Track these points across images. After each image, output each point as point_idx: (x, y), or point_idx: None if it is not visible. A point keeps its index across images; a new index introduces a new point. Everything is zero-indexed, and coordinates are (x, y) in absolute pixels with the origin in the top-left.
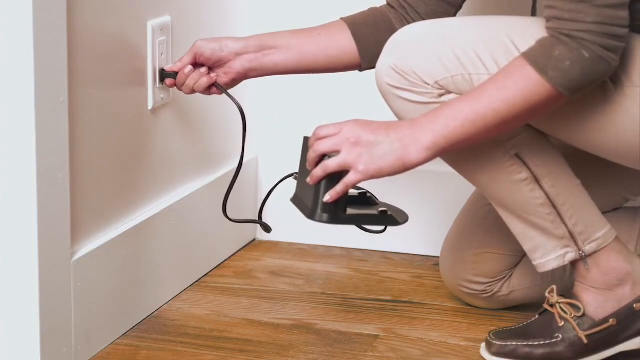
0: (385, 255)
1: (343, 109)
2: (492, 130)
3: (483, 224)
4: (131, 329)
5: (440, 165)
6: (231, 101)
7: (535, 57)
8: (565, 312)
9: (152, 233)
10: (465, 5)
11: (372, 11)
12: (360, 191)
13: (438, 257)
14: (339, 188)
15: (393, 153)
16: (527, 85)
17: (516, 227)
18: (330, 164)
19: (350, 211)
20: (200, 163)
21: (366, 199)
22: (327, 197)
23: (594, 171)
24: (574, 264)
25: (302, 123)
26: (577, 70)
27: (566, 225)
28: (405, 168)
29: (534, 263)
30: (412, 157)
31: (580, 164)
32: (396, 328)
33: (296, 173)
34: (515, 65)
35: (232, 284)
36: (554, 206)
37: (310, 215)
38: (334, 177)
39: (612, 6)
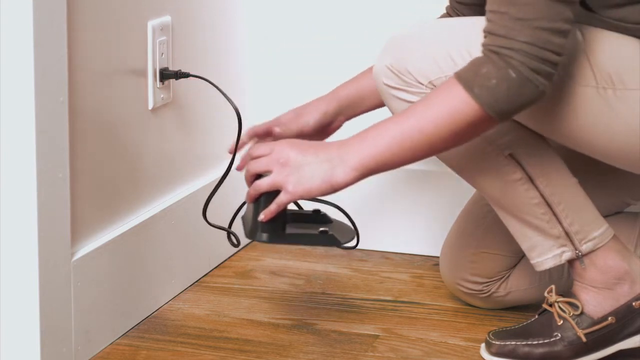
0: (385, 255)
1: None
2: (421, 152)
3: (482, 224)
4: (131, 329)
5: (440, 166)
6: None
7: (464, 74)
8: (564, 311)
9: (152, 233)
10: None
11: None
12: (314, 209)
13: (438, 257)
14: (272, 207)
15: (321, 174)
16: (453, 104)
17: (513, 226)
18: (262, 184)
19: (290, 230)
20: (200, 163)
21: (320, 217)
22: (261, 217)
23: (594, 174)
24: (571, 263)
25: None
26: (503, 90)
27: (562, 225)
28: (333, 189)
29: (532, 262)
30: (339, 178)
31: (579, 167)
32: (396, 328)
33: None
34: (446, 83)
35: (232, 284)
36: (549, 206)
37: (249, 234)
38: (271, 196)
39: (549, 30)
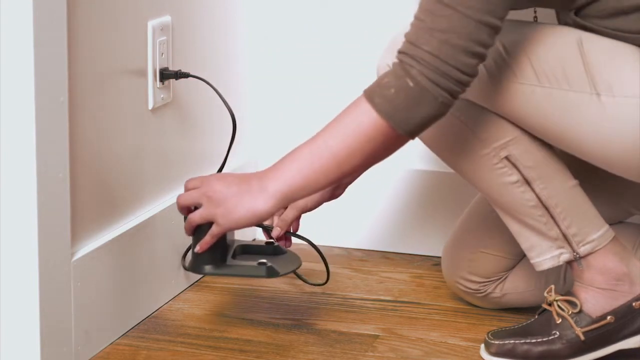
0: (385, 255)
1: None
2: (332, 172)
3: (483, 224)
4: (131, 329)
5: (440, 166)
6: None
7: (370, 86)
8: (563, 310)
9: (152, 233)
10: None
11: None
12: (267, 241)
13: (438, 257)
14: (206, 239)
15: (245, 205)
16: (357, 116)
17: (512, 226)
18: (194, 218)
19: (230, 262)
20: (200, 163)
21: (273, 249)
22: (197, 248)
23: (595, 181)
24: (570, 264)
25: (304, 125)
26: (401, 99)
27: (559, 227)
28: (257, 219)
29: (531, 261)
30: (259, 207)
31: (580, 174)
32: (396, 328)
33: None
34: (357, 98)
35: (232, 284)
36: (546, 208)
37: (189, 266)
38: (206, 228)
39: (457, 46)
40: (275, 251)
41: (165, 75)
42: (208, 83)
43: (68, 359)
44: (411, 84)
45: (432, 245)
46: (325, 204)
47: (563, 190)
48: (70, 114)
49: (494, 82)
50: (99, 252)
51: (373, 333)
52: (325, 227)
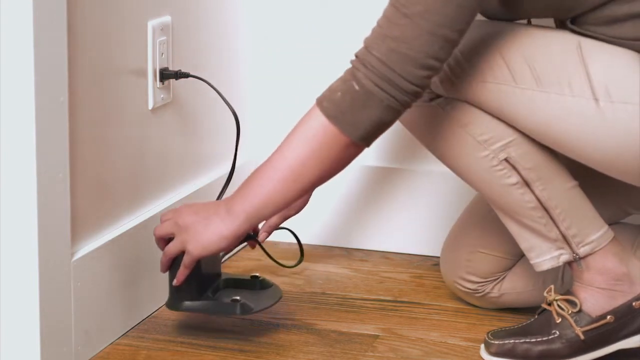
0: (385, 255)
1: None
2: (290, 184)
3: (481, 224)
4: (131, 329)
5: (440, 166)
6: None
7: (322, 92)
8: (562, 309)
9: (152, 233)
10: None
11: None
12: (252, 274)
13: (438, 257)
14: (180, 270)
15: (214, 230)
16: (308, 122)
17: (512, 227)
18: (169, 249)
19: (205, 298)
20: (200, 163)
21: (258, 283)
22: (175, 282)
23: (593, 181)
24: (569, 264)
25: None
26: (347, 102)
27: (559, 228)
28: (226, 240)
29: (531, 262)
30: (226, 229)
31: (578, 174)
32: (396, 328)
33: None
34: (311, 107)
35: None
36: (546, 210)
37: (167, 303)
38: (180, 261)
39: (406, 56)
40: (260, 285)
41: (165, 75)
42: (208, 83)
43: (68, 359)
44: (357, 87)
45: (432, 245)
46: (324, 204)
47: (562, 192)
48: (70, 114)
49: (492, 86)
50: (99, 252)
51: (373, 333)
52: (326, 227)
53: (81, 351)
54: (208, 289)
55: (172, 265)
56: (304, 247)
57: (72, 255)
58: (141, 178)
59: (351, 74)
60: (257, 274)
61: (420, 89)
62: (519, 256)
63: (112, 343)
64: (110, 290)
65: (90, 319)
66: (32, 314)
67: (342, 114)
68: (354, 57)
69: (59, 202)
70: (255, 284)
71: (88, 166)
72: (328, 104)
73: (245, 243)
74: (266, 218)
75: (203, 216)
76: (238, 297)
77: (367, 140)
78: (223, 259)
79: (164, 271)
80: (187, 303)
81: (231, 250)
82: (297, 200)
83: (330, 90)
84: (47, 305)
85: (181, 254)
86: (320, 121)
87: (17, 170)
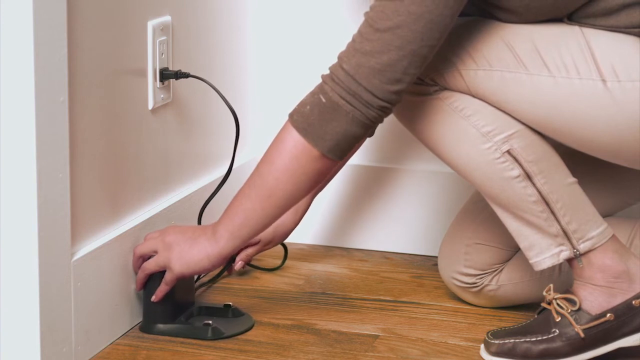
0: (385, 255)
1: None
2: (265, 201)
3: (478, 217)
4: (131, 329)
5: (440, 165)
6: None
7: (294, 106)
8: (562, 307)
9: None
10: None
11: None
12: (225, 303)
13: (438, 257)
14: (161, 287)
15: (200, 250)
16: (280, 137)
17: (511, 225)
18: (148, 265)
19: (179, 322)
20: (200, 163)
21: (230, 311)
22: (153, 297)
23: (593, 173)
24: (569, 261)
25: None
26: (315, 115)
27: (559, 223)
28: (211, 263)
29: (530, 261)
30: (210, 249)
31: (578, 166)
32: (396, 328)
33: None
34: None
35: (232, 284)
36: (547, 204)
37: (141, 325)
38: (158, 279)
39: (373, 71)
40: (232, 313)
41: (165, 75)
42: (208, 83)
43: (68, 359)
44: (324, 99)
45: (432, 245)
46: (324, 204)
47: (563, 186)
48: (70, 114)
49: (498, 74)
50: (99, 252)
51: (373, 333)
52: (326, 227)
53: (81, 351)
54: (181, 314)
55: (147, 284)
56: (305, 246)
57: (72, 255)
58: (141, 178)
59: (320, 87)
60: (230, 303)
61: (388, 104)
62: (516, 248)
63: (112, 343)
64: (110, 290)
65: (90, 319)
66: (32, 314)
67: (310, 126)
68: (327, 72)
69: (59, 202)
70: (227, 312)
71: (88, 166)
72: (297, 117)
73: (224, 271)
74: (249, 237)
75: (189, 236)
76: (210, 322)
77: (335, 152)
78: (196, 291)
79: (139, 289)
80: (160, 326)
81: (211, 271)
82: (276, 218)
83: (301, 103)
84: (47, 305)
85: (158, 273)
86: (291, 135)
87: (17, 170)
